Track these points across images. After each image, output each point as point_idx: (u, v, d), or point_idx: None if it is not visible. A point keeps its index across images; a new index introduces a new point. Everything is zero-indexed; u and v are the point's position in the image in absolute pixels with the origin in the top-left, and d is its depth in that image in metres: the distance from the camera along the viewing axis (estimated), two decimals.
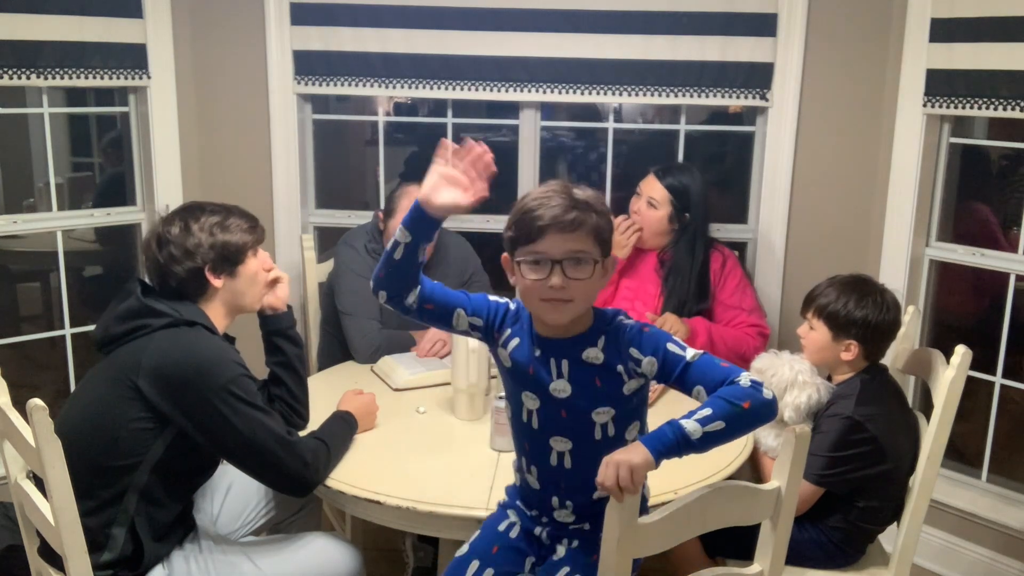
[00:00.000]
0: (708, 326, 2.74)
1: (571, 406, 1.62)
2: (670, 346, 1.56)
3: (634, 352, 1.58)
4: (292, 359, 2.14)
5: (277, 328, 2.14)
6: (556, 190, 1.56)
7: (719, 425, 1.45)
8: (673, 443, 1.45)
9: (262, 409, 1.88)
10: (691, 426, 1.45)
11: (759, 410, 1.49)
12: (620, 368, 1.59)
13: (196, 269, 1.93)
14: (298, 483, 1.90)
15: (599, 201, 1.58)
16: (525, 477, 1.73)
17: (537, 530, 1.73)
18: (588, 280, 1.55)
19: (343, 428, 2.09)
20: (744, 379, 1.50)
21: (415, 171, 3.09)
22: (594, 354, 1.60)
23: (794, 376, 2.17)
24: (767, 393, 1.50)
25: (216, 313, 1.99)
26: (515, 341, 1.67)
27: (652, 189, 2.81)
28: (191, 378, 1.81)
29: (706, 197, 2.85)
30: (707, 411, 1.46)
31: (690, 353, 1.56)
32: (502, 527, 1.77)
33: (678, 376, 1.55)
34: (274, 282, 2.11)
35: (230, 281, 1.98)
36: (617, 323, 1.62)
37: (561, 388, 1.62)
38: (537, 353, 1.64)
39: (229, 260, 1.97)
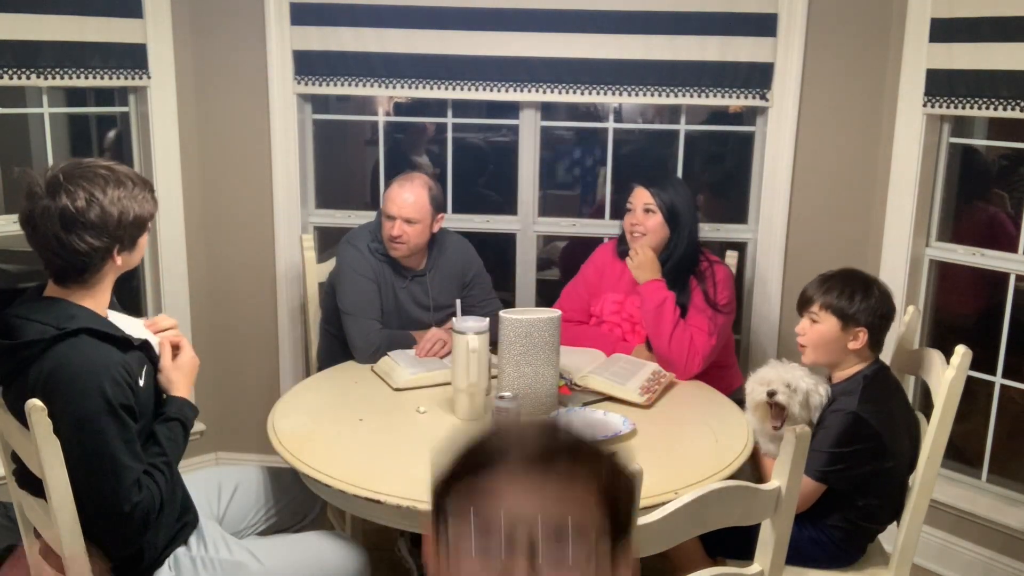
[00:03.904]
0: (668, 299, 2.66)
1: None
2: None
3: None
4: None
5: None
6: None
7: None
8: None
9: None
10: None
11: None
12: None
13: (105, 250, 1.76)
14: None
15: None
16: None
17: None
18: None
19: (178, 447, 1.90)
20: None
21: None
22: None
23: (811, 382, 2.18)
24: None
25: (102, 289, 1.83)
26: None
27: (644, 196, 2.75)
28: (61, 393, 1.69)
29: (693, 200, 2.83)
30: None
31: None
32: None
33: None
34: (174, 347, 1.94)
35: (128, 256, 1.82)
36: None
37: None
38: None
39: (134, 236, 1.81)
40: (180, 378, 1.93)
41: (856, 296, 2.20)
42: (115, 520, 1.72)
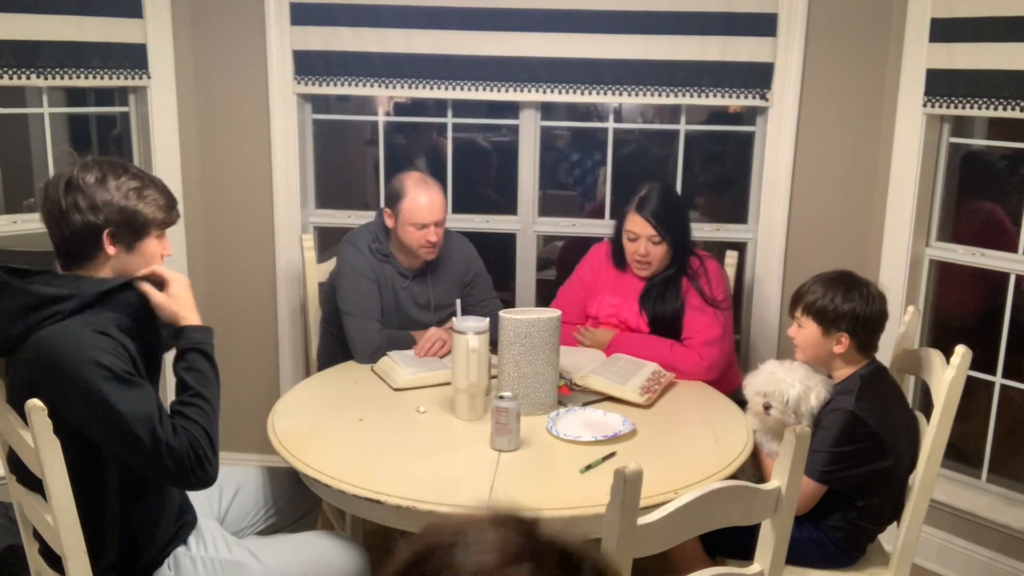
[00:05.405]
0: (626, 341, 2.70)
1: None
2: None
3: None
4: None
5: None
6: None
7: None
8: None
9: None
10: None
11: None
12: None
13: (95, 227, 1.76)
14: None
15: None
16: None
17: None
18: None
19: (212, 383, 1.88)
20: None
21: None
22: None
23: (801, 388, 2.17)
24: None
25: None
26: None
27: (645, 228, 2.66)
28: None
29: (685, 209, 2.82)
30: None
31: None
32: None
33: None
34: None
35: (125, 254, 1.81)
36: None
37: None
38: None
39: (133, 231, 1.80)
40: (180, 307, 1.88)
41: (836, 300, 2.17)
42: (172, 475, 1.72)
